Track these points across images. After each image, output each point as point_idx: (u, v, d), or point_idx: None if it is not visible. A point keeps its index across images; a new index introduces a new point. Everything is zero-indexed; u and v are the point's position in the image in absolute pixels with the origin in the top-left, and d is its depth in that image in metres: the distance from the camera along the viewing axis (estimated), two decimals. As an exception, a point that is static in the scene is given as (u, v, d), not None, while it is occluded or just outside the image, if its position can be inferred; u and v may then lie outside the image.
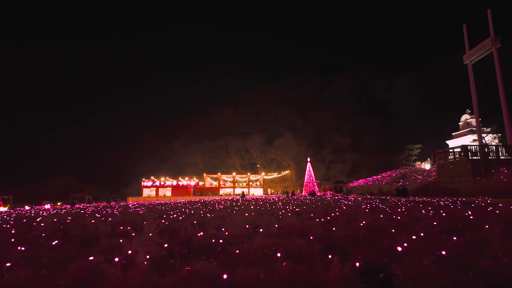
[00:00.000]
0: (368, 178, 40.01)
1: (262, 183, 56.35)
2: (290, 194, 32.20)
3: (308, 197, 23.53)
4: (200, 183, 56.11)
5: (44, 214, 11.30)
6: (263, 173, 57.96)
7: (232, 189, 54.01)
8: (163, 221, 6.82)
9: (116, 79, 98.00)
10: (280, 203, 13.32)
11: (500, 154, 17.79)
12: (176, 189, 52.99)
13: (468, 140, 34.17)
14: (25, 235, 5.31)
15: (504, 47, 20.79)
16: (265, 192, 55.91)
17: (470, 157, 17.12)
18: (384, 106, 66.68)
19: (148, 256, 3.26)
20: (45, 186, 58.82)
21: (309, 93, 72.53)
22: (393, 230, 4.50)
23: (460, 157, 17.88)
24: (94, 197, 46.68)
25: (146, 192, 53.43)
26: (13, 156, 71.79)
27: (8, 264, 2.91)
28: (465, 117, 38.58)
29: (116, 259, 3.11)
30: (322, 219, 6.38)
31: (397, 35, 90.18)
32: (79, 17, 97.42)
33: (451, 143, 38.34)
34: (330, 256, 3.03)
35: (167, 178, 54.89)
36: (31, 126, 76.58)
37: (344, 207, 9.54)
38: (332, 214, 7.32)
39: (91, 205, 24.28)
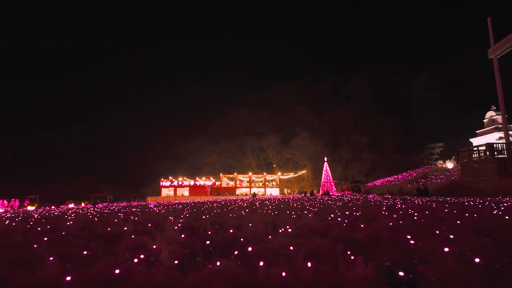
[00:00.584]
0: (387, 178, 39.10)
1: (278, 183, 56.25)
2: (309, 195, 31.94)
3: (325, 197, 23.25)
4: (217, 183, 56.71)
5: (70, 213, 11.76)
6: (279, 173, 57.85)
7: (248, 189, 54.23)
8: (183, 220, 6.94)
9: (130, 80, 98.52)
10: (297, 203, 13.24)
11: (529, 152, 16.94)
12: (193, 189, 53.82)
13: (494, 137, 32.81)
14: (54, 233, 5.54)
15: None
16: (281, 192, 55.78)
17: (495, 156, 16.43)
18: (403, 105, 65.14)
19: (172, 255, 3.33)
20: (67, 186, 61.15)
21: (325, 92, 71.93)
22: (416, 231, 4.38)
23: (485, 156, 17.18)
24: (115, 197, 48.12)
25: (164, 192, 54.54)
26: (35, 156, 74.29)
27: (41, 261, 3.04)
28: (490, 113, 36.99)
29: (142, 257, 3.20)
30: (342, 219, 6.29)
31: (415, 32, 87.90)
32: (79, 17, 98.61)
33: (475, 141, 36.84)
34: (352, 257, 2.99)
35: (184, 178, 55.80)
36: (48, 126, 78.81)
37: (364, 207, 9.36)
38: (353, 214, 7.21)
39: (113, 204, 25.04)
